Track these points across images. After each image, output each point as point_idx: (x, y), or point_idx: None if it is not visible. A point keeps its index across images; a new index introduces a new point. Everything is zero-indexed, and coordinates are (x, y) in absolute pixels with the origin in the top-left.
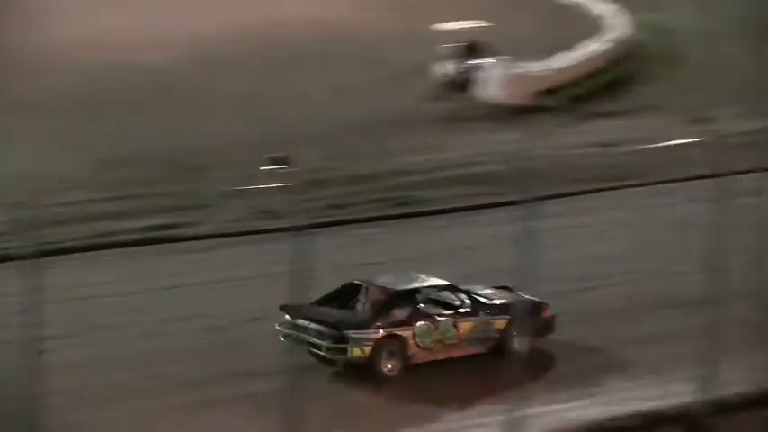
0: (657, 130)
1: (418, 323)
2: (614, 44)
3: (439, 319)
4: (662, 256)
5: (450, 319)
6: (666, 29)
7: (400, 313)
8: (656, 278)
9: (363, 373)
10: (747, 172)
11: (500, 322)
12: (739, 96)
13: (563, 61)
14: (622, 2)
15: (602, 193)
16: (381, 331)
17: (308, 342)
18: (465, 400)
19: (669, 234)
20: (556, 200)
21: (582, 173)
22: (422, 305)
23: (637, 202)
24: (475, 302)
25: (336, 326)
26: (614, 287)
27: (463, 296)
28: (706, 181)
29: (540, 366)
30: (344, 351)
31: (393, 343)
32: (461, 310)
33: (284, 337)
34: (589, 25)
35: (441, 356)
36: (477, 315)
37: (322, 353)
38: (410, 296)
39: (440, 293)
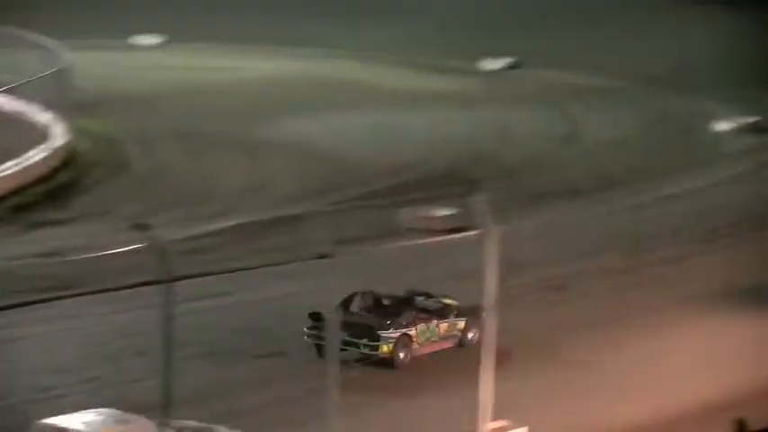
0: (101, 238)
1: (419, 325)
2: (57, 152)
3: (431, 320)
4: (111, 364)
5: (435, 321)
6: (107, 135)
7: (406, 317)
8: (109, 386)
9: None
10: (190, 277)
11: (461, 323)
12: (178, 202)
13: (3, 171)
14: (61, 109)
15: (47, 303)
16: (399, 331)
17: (342, 341)
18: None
19: (116, 342)
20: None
21: (25, 284)
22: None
23: (83, 310)
24: (446, 307)
25: (369, 329)
26: (67, 398)
27: (437, 303)
28: (150, 287)
29: None
30: (377, 348)
31: (405, 340)
32: (441, 314)
33: (309, 337)
34: (33, 134)
35: (427, 351)
36: (448, 317)
37: (359, 350)
38: (410, 303)
39: (424, 301)
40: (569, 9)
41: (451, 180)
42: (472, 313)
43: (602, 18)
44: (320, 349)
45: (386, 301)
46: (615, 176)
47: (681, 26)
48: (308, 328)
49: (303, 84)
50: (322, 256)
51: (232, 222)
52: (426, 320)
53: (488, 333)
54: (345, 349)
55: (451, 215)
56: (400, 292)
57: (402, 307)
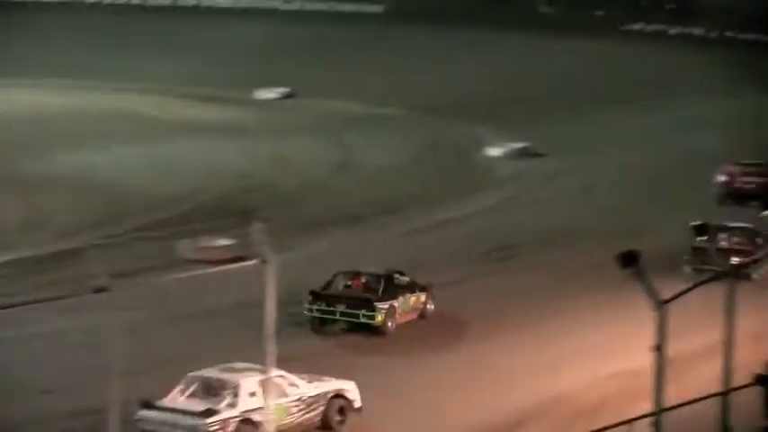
0: None
1: (400, 297)
2: None
3: (405, 294)
4: None
5: (408, 294)
6: None
7: (392, 290)
8: None
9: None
10: None
11: (422, 296)
12: None
13: None
14: None
15: None
16: (388, 303)
17: (341, 312)
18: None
19: None
20: None
21: None
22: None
23: None
24: (413, 283)
25: (368, 300)
26: None
27: (407, 279)
28: None
29: None
30: (373, 317)
31: (392, 310)
32: (410, 288)
33: (310, 311)
34: None
35: (403, 320)
36: (414, 291)
37: (358, 320)
38: (392, 279)
39: (399, 278)
40: (346, 40)
41: (230, 209)
42: (429, 289)
43: (376, 49)
44: (314, 323)
45: (364, 278)
46: (391, 203)
47: (456, 55)
48: (309, 303)
49: (80, 117)
50: (99, 290)
51: (9, 257)
52: (402, 294)
53: (270, 357)
54: (341, 320)
55: (230, 245)
56: (380, 270)
57: (383, 283)
